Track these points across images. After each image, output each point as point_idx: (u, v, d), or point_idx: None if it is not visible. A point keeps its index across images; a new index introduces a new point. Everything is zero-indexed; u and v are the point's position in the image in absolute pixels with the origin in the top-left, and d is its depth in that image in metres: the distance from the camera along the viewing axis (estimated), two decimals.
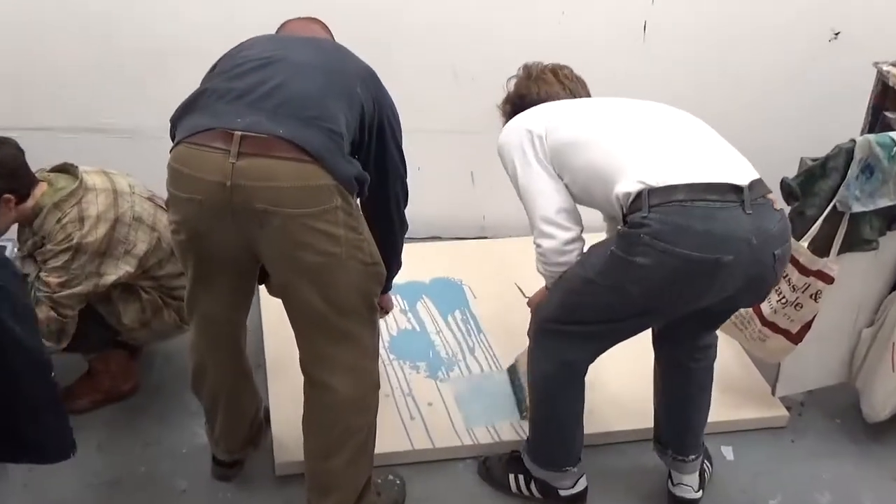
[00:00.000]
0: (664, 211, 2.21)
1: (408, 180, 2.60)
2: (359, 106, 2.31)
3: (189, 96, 2.34)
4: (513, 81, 2.73)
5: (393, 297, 3.02)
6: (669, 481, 2.82)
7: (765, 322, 2.96)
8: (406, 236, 2.72)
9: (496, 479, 2.86)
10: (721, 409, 2.96)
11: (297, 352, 2.45)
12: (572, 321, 2.48)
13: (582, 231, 2.46)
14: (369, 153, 2.41)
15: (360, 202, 2.52)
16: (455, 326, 3.51)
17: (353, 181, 2.24)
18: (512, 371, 3.20)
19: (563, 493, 2.76)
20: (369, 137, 2.38)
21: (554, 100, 2.62)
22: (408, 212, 2.67)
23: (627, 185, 2.28)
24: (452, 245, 4.07)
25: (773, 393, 3.19)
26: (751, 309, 2.96)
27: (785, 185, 2.67)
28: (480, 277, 3.77)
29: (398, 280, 2.87)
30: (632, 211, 2.28)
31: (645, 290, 2.29)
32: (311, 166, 2.16)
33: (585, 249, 2.46)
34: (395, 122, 2.48)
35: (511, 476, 2.83)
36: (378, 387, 2.52)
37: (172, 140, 2.32)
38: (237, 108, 2.21)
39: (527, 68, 2.72)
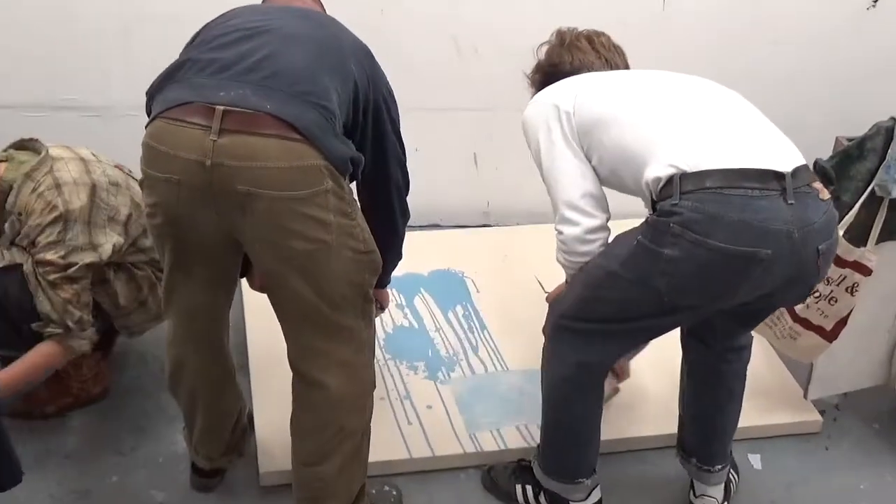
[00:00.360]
0: (697, 198, 2.20)
1: (405, 159, 2.59)
2: (352, 83, 2.30)
3: (167, 68, 2.33)
4: (544, 48, 2.71)
5: (391, 290, 3.02)
6: (692, 492, 2.82)
7: (796, 318, 2.95)
8: None
9: (502, 489, 2.86)
10: (748, 414, 2.94)
11: (284, 348, 2.44)
12: (592, 318, 2.47)
13: (608, 219, 2.45)
14: (365, 136, 2.40)
15: (357, 191, 2.52)
16: (456, 323, 3.51)
17: (347, 162, 2.24)
18: None
19: (564, 494, 2.75)
20: (364, 119, 2.38)
21: (588, 70, 2.60)
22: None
23: (658, 168, 2.27)
24: (453, 234, 4.07)
25: (806, 396, 3.18)
26: None
27: (818, 168, 2.65)
28: (484, 269, 3.77)
29: (394, 273, 2.85)
30: (662, 197, 2.27)
31: (673, 285, 2.27)
32: (300, 145, 2.16)
33: (611, 239, 2.45)
34: (392, 103, 2.47)
35: (518, 487, 2.83)
36: (373, 386, 2.52)
37: (148, 115, 2.31)
38: (220, 81, 2.21)
39: (560, 34, 2.70)
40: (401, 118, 2.53)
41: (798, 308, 2.93)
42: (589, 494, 2.74)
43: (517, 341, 3.38)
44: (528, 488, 2.82)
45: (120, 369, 3.25)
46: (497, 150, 4.08)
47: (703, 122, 2.33)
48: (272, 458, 2.86)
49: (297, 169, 2.16)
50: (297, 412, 2.48)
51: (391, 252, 2.67)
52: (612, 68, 2.63)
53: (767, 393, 3.22)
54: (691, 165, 2.23)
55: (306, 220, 2.20)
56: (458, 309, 3.57)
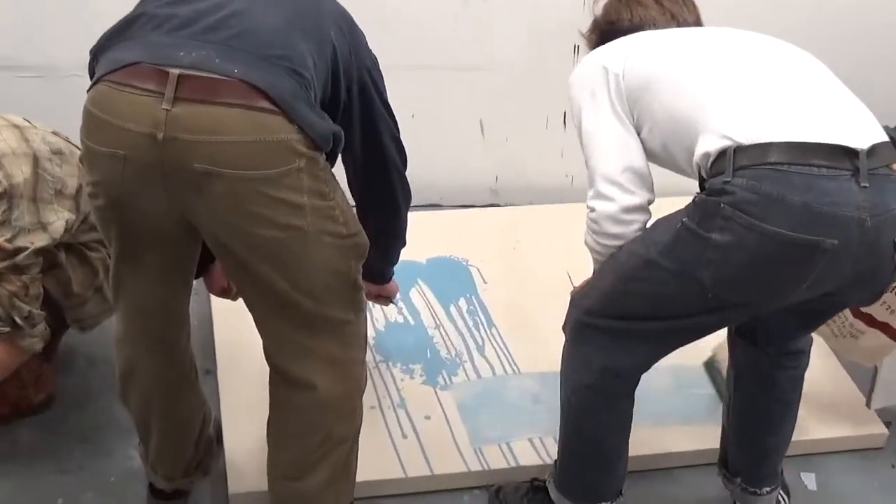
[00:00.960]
0: (753, 175, 2.18)
1: (401, 134, 2.58)
2: (330, 52, 2.30)
3: (118, 23, 2.31)
4: (601, 3, 2.70)
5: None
6: None
7: (858, 314, 2.95)
8: None
9: None
10: (800, 426, 2.94)
11: (258, 347, 2.44)
12: (621, 315, 2.46)
13: (650, 202, 2.44)
14: (352, 117, 2.41)
15: (349, 179, 2.53)
16: (459, 319, 3.50)
17: (328, 137, 2.24)
18: (710, 366, 3.16)
19: None
20: (349, 97, 2.38)
21: (651, 27, 2.59)
22: None
23: (710, 140, 2.26)
24: (455, 215, 4.07)
25: (868, 405, 3.18)
26: None
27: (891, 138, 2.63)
28: (492, 257, 3.76)
29: None
30: (713, 174, 2.26)
31: (719, 277, 2.26)
32: (270, 117, 2.15)
33: (650, 224, 2.44)
34: (378, 75, 2.48)
35: None
36: (364, 387, 2.53)
37: (91, 78, 2.29)
38: (179, 40, 2.20)
39: None
40: (395, 78, 2.52)
41: None
42: None
43: (531, 340, 3.37)
44: None
45: (65, 373, 3.24)
46: (507, 116, 4.08)
47: (768, 87, 2.31)
48: (244, 477, 2.85)
49: (265, 144, 2.16)
50: (277, 417, 2.49)
51: (395, 240, 2.71)
52: (679, 24, 2.61)
53: (823, 401, 3.20)
54: (749, 137, 2.21)
55: (275, 204, 2.19)
56: (462, 303, 3.57)
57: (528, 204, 4.14)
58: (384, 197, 2.57)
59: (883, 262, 2.27)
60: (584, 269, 2.65)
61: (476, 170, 4.18)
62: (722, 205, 2.21)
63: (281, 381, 2.44)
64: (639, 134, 2.43)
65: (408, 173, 2.64)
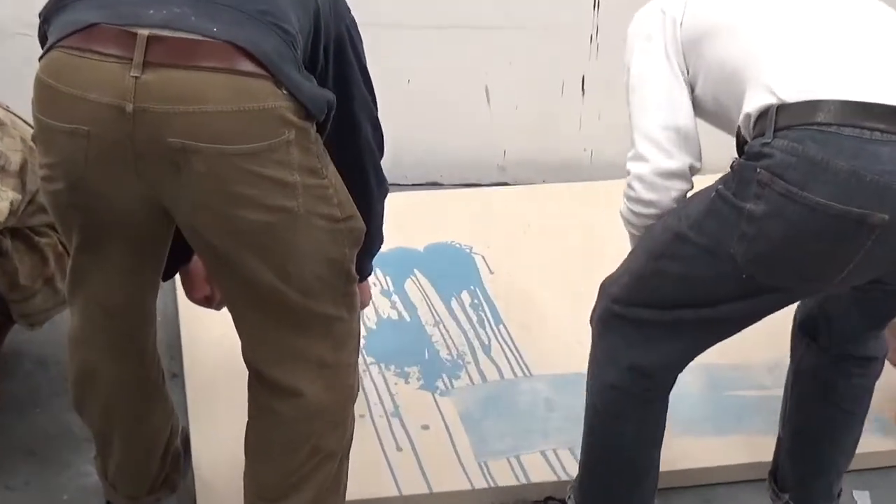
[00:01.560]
0: (796, 137, 2.18)
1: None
2: (313, 10, 2.29)
3: None
4: None
5: (375, 270, 2.99)
6: None
7: None
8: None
9: None
10: None
11: (230, 348, 2.44)
12: (649, 302, 2.47)
13: (694, 169, 2.45)
14: (325, 80, 2.39)
15: None
16: (461, 314, 3.51)
17: (321, 103, 2.24)
18: None
19: None
20: (325, 57, 2.37)
21: None
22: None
23: (755, 96, 2.26)
24: (458, 195, 4.08)
25: None
26: None
27: None
28: (499, 243, 3.77)
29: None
30: (755, 136, 2.26)
31: (753, 253, 2.26)
32: (255, 82, 2.15)
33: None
34: (358, 38, 2.47)
35: None
36: (357, 394, 2.54)
37: (43, 45, 2.28)
38: None
39: None
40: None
41: None
42: None
43: (543, 338, 3.38)
44: None
45: (10, 377, 3.25)
46: (517, 82, 4.09)
47: (828, 40, 2.31)
48: (215, 496, 2.86)
49: (249, 114, 2.15)
50: (257, 427, 2.49)
51: (370, 235, 2.66)
52: None
53: (879, 408, 3.18)
54: (795, 94, 2.21)
55: (262, 183, 2.19)
56: (465, 296, 3.59)
57: (541, 182, 4.15)
58: (355, 184, 2.50)
59: None
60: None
61: (481, 143, 4.19)
62: (759, 169, 2.21)
63: (263, 387, 2.44)
64: (693, 91, 2.44)
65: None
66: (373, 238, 2.64)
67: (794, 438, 2.76)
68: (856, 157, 2.15)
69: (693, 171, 2.44)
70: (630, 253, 2.54)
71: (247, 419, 2.50)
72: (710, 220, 2.31)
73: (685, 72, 2.44)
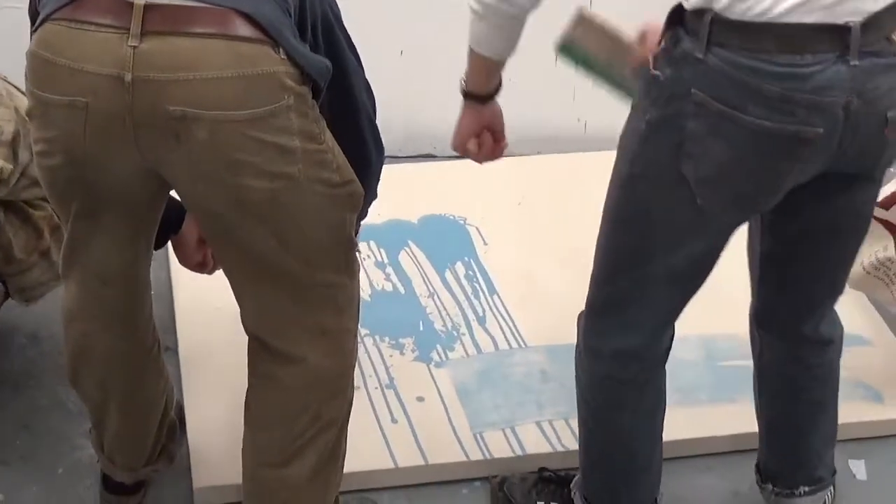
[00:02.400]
0: (728, 59, 2.15)
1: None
2: None
3: None
4: None
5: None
6: None
7: None
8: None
9: None
10: (848, 407, 2.93)
11: (224, 322, 2.43)
12: (620, 268, 2.45)
13: None
14: (316, 51, 2.37)
15: None
16: (456, 286, 3.52)
17: (321, 67, 2.24)
18: (567, 49, 2.81)
19: None
20: (314, 37, 2.36)
21: None
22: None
23: None
24: (451, 166, 4.02)
25: None
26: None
27: None
28: (493, 214, 3.78)
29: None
30: (685, 33, 2.20)
31: (703, 174, 2.24)
32: (252, 47, 2.14)
33: None
34: (338, 10, 2.46)
35: None
36: (354, 366, 2.54)
37: (34, 21, 2.27)
38: None
39: None
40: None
41: None
42: None
43: (538, 309, 3.38)
44: None
45: (3, 351, 3.25)
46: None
47: None
48: (210, 469, 2.86)
49: (248, 79, 2.15)
50: (258, 394, 2.49)
51: (368, 193, 2.66)
52: None
53: (874, 377, 3.22)
54: (734, 9, 2.15)
55: (264, 149, 2.19)
56: (459, 267, 3.59)
57: (535, 154, 4.14)
58: (353, 149, 2.52)
59: (872, 141, 2.25)
60: (598, 228, 2.65)
61: None
62: (693, 91, 2.19)
63: (263, 355, 2.45)
64: None
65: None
66: (368, 201, 2.67)
67: (770, 433, 2.77)
68: (785, 80, 2.14)
69: None
70: (599, 237, 2.51)
71: (245, 389, 2.50)
72: (650, 147, 2.28)
73: None
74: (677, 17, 2.25)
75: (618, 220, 2.43)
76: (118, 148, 2.20)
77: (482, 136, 2.58)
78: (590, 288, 2.56)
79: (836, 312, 2.66)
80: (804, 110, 2.15)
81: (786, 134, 2.18)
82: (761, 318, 2.66)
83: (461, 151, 2.60)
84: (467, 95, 2.51)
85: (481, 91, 2.50)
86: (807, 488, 2.76)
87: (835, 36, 2.14)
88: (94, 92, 2.15)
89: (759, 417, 2.80)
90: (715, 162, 2.23)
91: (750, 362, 2.77)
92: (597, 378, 2.58)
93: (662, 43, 2.25)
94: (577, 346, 2.63)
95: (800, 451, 2.76)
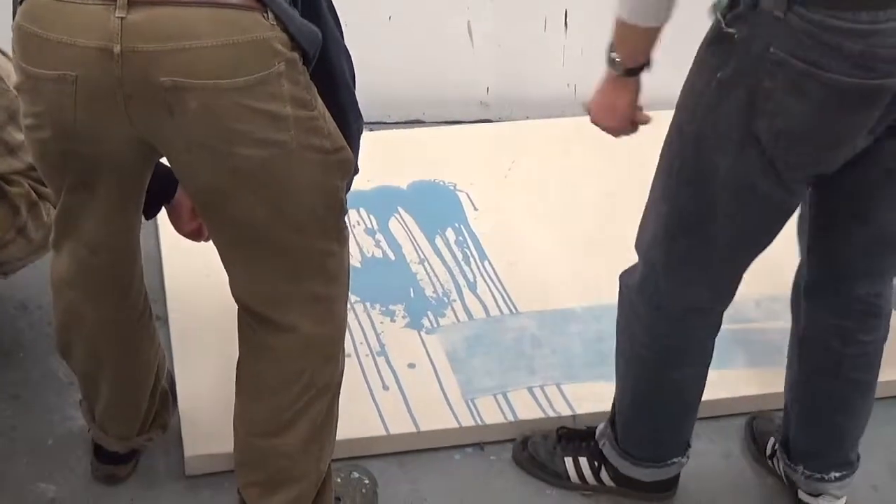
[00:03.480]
0: (810, 19, 2.13)
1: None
2: None
3: None
4: None
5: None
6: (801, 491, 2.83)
7: None
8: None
9: (545, 467, 2.90)
10: None
11: (214, 290, 2.42)
12: (683, 226, 2.43)
13: None
14: (295, 8, 2.35)
15: None
16: (447, 252, 3.51)
17: (313, 36, 2.22)
18: None
19: (647, 479, 2.81)
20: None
21: None
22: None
23: None
24: (441, 132, 4.06)
25: None
26: None
27: None
28: (483, 180, 3.77)
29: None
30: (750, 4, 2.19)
31: (777, 128, 2.22)
32: (242, 14, 2.13)
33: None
34: None
35: (569, 460, 2.88)
36: (345, 333, 2.54)
37: None
38: None
39: None
40: None
41: None
42: (678, 475, 2.81)
43: (529, 275, 3.38)
44: (583, 461, 2.86)
45: None
46: (501, 17, 4.08)
47: None
48: (201, 438, 2.86)
49: (238, 46, 2.13)
50: (250, 364, 2.49)
51: (358, 128, 2.67)
52: None
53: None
54: None
55: (255, 116, 2.17)
56: (450, 233, 3.58)
57: (525, 118, 4.14)
58: (335, 118, 2.52)
59: None
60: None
61: (464, 80, 4.17)
62: (771, 49, 2.18)
63: (254, 324, 2.44)
64: None
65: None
66: (357, 146, 2.67)
67: (806, 412, 2.74)
68: (868, 37, 2.13)
69: None
70: (649, 200, 2.50)
71: (236, 357, 2.49)
72: (723, 105, 2.26)
73: None
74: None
75: (681, 179, 2.40)
76: (109, 120, 2.19)
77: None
78: (645, 245, 2.55)
79: (892, 289, 2.64)
80: (885, 64, 2.14)
81: (868, 88, 2.17)
82: (811, 287, 2.63)
83: (625, 132, 2.52)
84: (630, 72, 2.40)
85: (642, 63, 2.40)
86: (837, 474, 2.76)
87: None
88: (84, 65, 2.13)
89: (792, 392, 2.77)
90: (794, 119, 2.21)
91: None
92: (657, 335, 2.59)
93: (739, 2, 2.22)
94: (628, 302, 2.62)
95: (838, 432, 2.74)
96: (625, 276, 2.62)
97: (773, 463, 2.90)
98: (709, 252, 2.46)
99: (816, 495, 2.79)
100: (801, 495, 2.82)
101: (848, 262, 2.56)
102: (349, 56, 2.49)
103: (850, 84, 2.16)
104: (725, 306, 2.58)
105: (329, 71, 2.45)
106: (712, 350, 2.64)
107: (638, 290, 2.58)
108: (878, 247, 2.54)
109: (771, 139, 2.24)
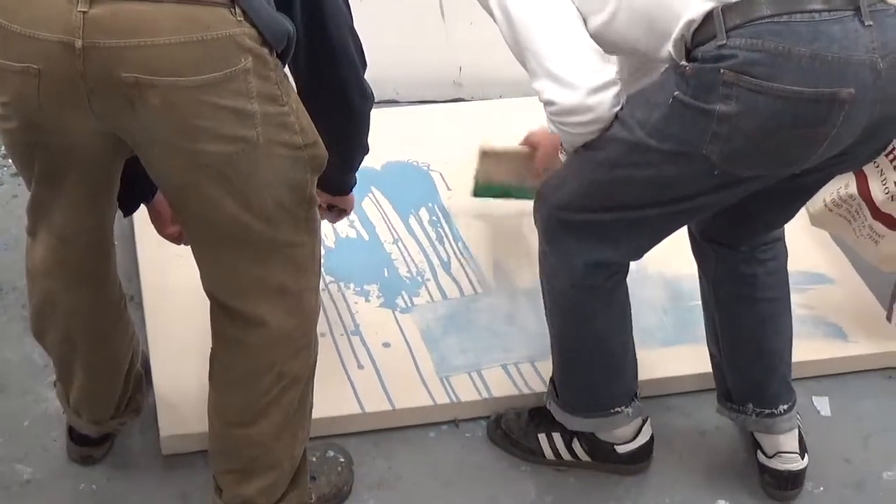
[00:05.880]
0: (751, 33, 2.21)
1: (352, 20, 2.55)
2: None
3: None
4: None
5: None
6: (760, 452, 2.86)
7: (877, 213, 2.97)
8: None
9: (519, 443, 2.92)
10: (811, 343, 2.96)
11: (188, 272, 2.43)
12: (607, 206, 2.49)
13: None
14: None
15: (292, 72, 2.47)
16: (420, 231, 3.52)
17: (281, 31, 2.20)
18: (483, 189, 3.32)
19: (620, 449, 2.83)
20: None
21: None
22: None
23: (694, 4, 2.27)
24: (413, 112, 4.07)
25: (889, 318, 3.21)
26: (858, 193, 2.94)
27: None
28: (456, 159, 3.75)
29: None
30: (699, 42, 2.27)
31: (729, 151, 2.28)
32: (208, 10, 2.10)
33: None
34: None
35: (542, 437, 2.89)
36: (316, 322, 2.54)
37: None
38: None
39: None
40: None
41: (880, 200, 2.94)
42: (638, 432, 2.82)
43: (502, 254, 3.39)
44: (556, 436, 2.88)
45: None
46: None
47: None
48: (177, 418, 2.86)
49: (203, 44, 2.11)
50: (222, 356, 2.49)
51: (355, 145, 2.69)
52: None
53: (837, 315, 3.25)
54: None
55: (219, 113, 2.16)
56: (423, 213, 3.58)
57: (498, 98, 4.13)
58: (337, 95, 2.53)
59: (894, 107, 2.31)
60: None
61: (436, 59, 4.17)
62: (722, 70, 2.22)
63: (225, 318, 2.44)
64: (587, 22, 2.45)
65: None
66: (357, 151, 2.72)
67: (735, 347, 2.80)
68: (813, 41, 2.19)
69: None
70: (572, 160, 2.55)
71: (208, 346, 2.49)
72: (674, 125, 2.32)
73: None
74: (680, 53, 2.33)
75: (616, 169, 2.44)
76: (73, 112, 2.18)
77: None
78: (557, 202, 2.57)
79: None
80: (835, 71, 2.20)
81: (822, 98, 2.21)
82: (714, 234, 2.70)
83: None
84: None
85: None
86: (784, 406, 2.79)
87: None
88: (46, 58, 2.11)
89: (718, 337, 2.82)
90: (748, 138, 2.27)
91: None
92: (567, 286, 2.62)
93: (689, 72, 2.28)
94: (542, 252, 2.66)
95: (770, 356, 2.78)
96: (540, 221, 2.65)
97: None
98: (630, 230, 2.52)
99: (774, 434, 2.81)
100: (760, 457, 2.85)
101: (752, 229, 2.69)
102: (356, 35, 2.50)
103: (803, 94, 2.21)
104: (633, 261, 2.66)
105: (330, 46, 2.44)
106: (624, 299, 2.67)
107: (548, 238, 2.62)
108: (787, 208, 2.67)
109: (723, 159, 2.30)
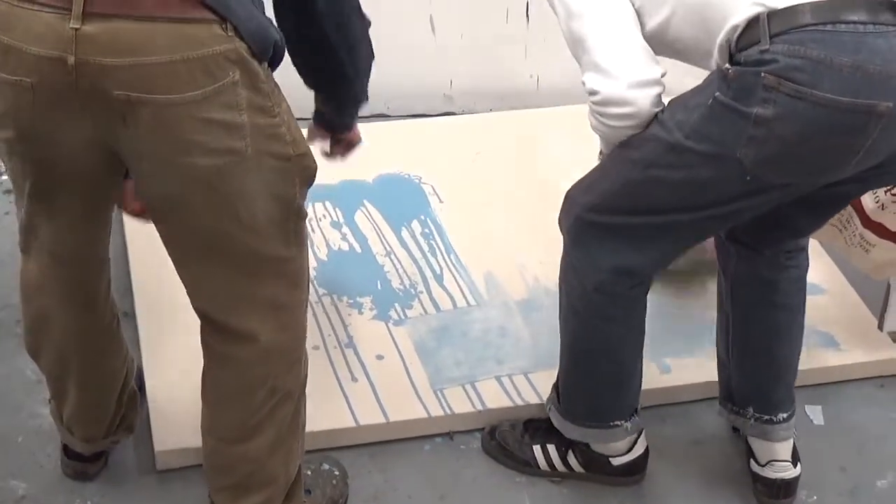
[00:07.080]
0: (795, 39, 2.23)
1: None
2: None
3: None
4: None
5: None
6: (753, 461, 2.86)
7: (868, 223, 2.97)
8: None
9: (514, 455, 2.91)
10: (805, 353, 2.95)
11: (180, 288, 2.42)
12: (636, 209, 2.50)
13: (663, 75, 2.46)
14: None
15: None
16: (413, 244, 3.51)
17: (266, 42, 2.19)
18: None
19: (615, 461, 2.82)
20: None
21: None
22: None
23: (741, 8, 2.29)
24: (405, 126, 4.07)
25: (881, 327, 3.22)
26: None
27: None
28: (448, 172, 3.77)
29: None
30: (743, 47, 2.29)
31: (763, 155, 2.29)
32: (200, 28, 2.10)
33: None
34: None
35: (537, 448, 2.89)
36: (305, 336, 2.53)
37: None
38: None
39: None
40: None
41: (870, 209, 2.95)
42: (633, 444, 2.82)
43: (495, 266, 3.39)
44: (551, 448, 2.87)
45: None
46: (461, 9, 4.07)
47: None
48: (171, 433, 2.86)
49: (194, 61, 2.11)
50: (214, 373, 2.49)
51: (359, 80, 2.70)
52: None
53: (829, 324, 3.25)
54: (781, 0, 2.25)
55: (209, 127, 2.16)
56: (415, 225, 3.58)
57: (488, 111, 4.14)
58: (341, 29, 2.54)
59: None
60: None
61: (427, 73, 4.17)
62: (763, 74, 2.24)
63: (216, 334, 2.43)
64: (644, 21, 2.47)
65: None
66: (360, 86, 2.72)
67: (745, 349, 2.80)
68: (857, 52, 2.21)
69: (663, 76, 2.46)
70: (605, 161, 2.56)
71: (202, 361, 2.48)
72: (712, 126, 2.33)
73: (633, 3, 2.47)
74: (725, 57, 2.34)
75: (650, 168, 2.45)
76: (67, 125, 2.18)
77: None
78: (586, 203, 2.58)
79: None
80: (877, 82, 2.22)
81: (859, 109, 2.23)
82: (738, 235, 2.70)
83: None
84: None
85: None
86: (784, 414, 2.80)
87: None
88: (39, 73, 2.11)
89: (731, 337, 2.81)
90: (784, 143, 2.28)
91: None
92: (588, 290, 2.61)
93: (732, 74, 2.30)
94: (565, 254, 2.65)
95: (779, 363, 2.79)
96: (565, 222, 2.64)
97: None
98: (660, 235, 2.52)
99: (770, 441, 2.81)
100: (753, 465, 2.85)
101: (782, 234, 2.68)
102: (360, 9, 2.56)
103: (841, 103, 2.22)
104: (659, 272, 2.64)
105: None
106: (642, 316, 2.67)
107: (575, 241, 2.61)
108: (812, 219, 2.68)
109: (756, 164, 2.31)
